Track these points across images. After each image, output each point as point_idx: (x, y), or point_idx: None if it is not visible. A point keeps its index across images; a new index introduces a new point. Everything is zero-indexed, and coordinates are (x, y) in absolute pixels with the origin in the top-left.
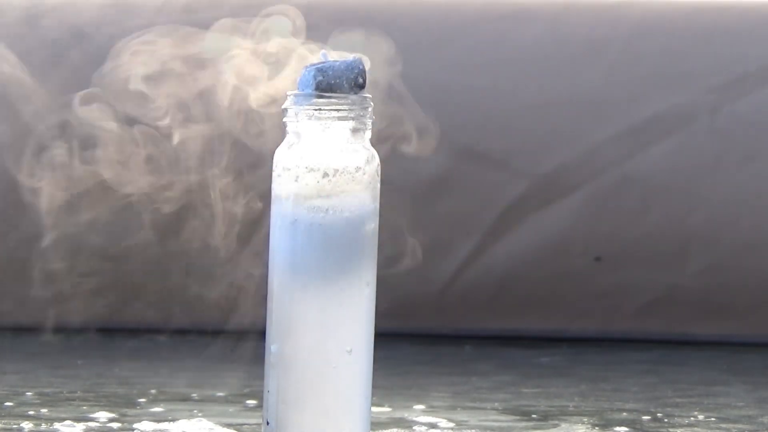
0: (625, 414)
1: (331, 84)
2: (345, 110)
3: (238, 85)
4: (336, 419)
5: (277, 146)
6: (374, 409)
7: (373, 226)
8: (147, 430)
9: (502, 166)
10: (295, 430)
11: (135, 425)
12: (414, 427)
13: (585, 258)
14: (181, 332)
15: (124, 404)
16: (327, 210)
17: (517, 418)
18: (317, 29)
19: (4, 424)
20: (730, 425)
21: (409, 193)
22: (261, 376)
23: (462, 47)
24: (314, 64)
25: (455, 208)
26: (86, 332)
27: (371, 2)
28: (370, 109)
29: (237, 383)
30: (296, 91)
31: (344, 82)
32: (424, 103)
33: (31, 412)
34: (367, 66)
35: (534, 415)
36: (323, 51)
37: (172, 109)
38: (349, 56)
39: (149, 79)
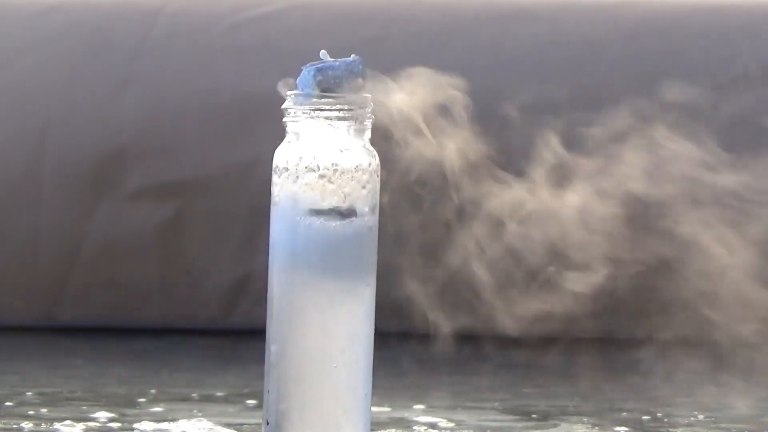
0: (625, 414)
1: (330, 84)
2: (344, 110)
3: None
4: (336, 419)
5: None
6: (374, 409)
7: (372, 226)
8: (147, 430)
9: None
10: (295, 430)
11: (135, 425)
12: (414, 427)
13: None
14: (182, 332)
15: (124, 404)
16: (326, 210)
17: (517, 418)
18: (317, 29)
19: (4, 424)
20: (730, 425)
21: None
22: (261, 376)
23: (462, 47)
24: (314, 64)
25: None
26: (86, 332)
27: (371, 2)
28: (369, 109)
29: (238, 382)
30: (296, 91)
31: (344, 82)
32: None
33: (31, 412)
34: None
35: (534, 415)
36: (323, 51)
37: None
38: (349, 56)
39: None
